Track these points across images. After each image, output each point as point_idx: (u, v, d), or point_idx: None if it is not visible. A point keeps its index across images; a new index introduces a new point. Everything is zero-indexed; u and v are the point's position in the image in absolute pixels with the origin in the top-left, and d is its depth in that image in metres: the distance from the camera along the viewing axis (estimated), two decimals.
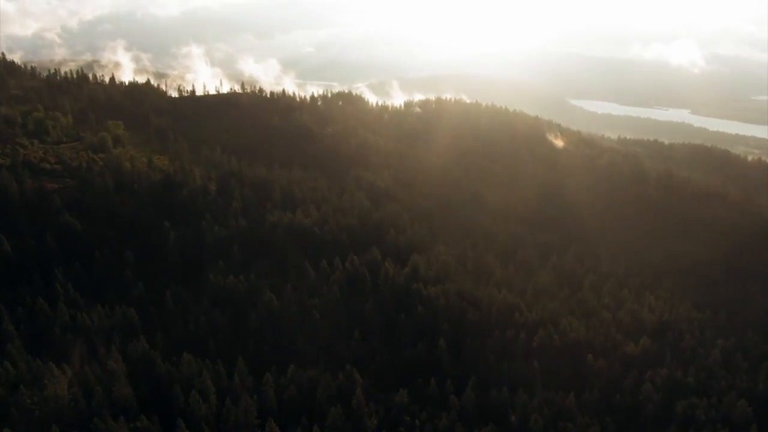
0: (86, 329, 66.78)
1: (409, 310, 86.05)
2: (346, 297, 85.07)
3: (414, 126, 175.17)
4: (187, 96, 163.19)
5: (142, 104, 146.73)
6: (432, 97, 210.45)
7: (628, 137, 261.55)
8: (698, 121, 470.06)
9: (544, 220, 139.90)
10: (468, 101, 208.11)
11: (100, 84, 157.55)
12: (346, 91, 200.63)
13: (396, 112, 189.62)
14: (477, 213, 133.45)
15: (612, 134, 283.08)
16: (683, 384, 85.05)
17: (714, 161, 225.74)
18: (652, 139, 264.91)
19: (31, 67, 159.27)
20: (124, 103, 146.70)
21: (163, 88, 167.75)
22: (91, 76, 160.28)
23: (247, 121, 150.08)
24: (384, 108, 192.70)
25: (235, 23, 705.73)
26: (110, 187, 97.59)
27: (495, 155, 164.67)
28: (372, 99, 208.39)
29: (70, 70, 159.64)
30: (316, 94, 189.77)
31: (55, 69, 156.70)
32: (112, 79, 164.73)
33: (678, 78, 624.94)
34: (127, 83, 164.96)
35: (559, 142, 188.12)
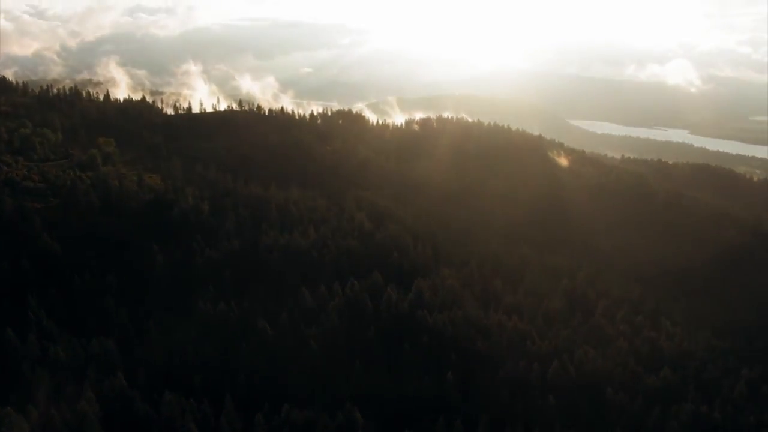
0: (58, 364, 59.92)
1: (414, 340, 79.26)
2: (345, 325, 78.24)
3: (416, 144, 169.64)
4: (183, 113, 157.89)
5: (136, 121, 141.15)
6: (433, 115, 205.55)
7: (631, 157, 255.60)
8: (698, 141, 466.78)
9: (551, 241, 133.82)
10: (469, 120, 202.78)
11: (93, 101, 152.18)
12: (346, 109, 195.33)
13: (397, 131, 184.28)
14: (482, 234, 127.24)
15: (612, 154, 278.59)
16: (710, 420, 78.13)
17: (719, 181, 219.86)
18: (654, 158, 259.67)
19: (23, 83, 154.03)
20: (117, 120, 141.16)
21: (159, 105, 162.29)
22: (84, 93, 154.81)
23: (244, 139, 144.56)
24: (385, 126, 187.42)
25: (235, 44, 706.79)
26: (96, 207, 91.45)
27: (499, 174, 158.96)
28: (372, 118, 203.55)
29: (63, 87, 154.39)
30: (315, 113, 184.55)
31: (47, 85, 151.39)
32: (107, 96, 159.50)
33: (676, 98, 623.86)
34: (122, 100, 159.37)
35: (564, 161, 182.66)
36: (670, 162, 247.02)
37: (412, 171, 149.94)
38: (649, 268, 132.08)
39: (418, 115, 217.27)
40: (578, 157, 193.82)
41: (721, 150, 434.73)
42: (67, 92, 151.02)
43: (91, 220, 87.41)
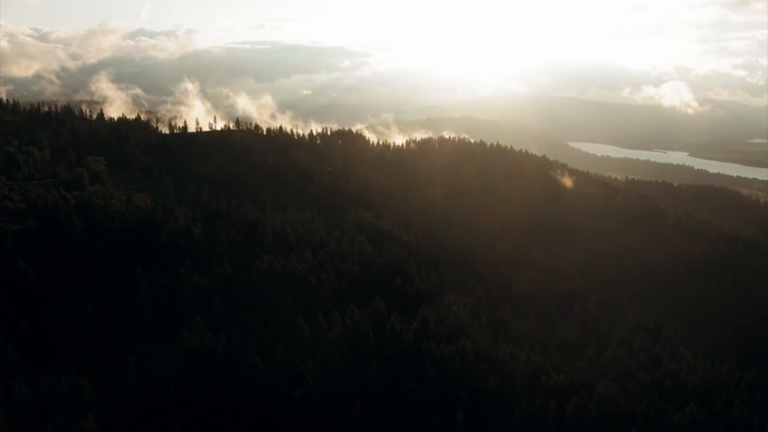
0: (22, 404, 52.72)
1: (421, 375, 72.12)
2: (345, 359, 71.13)
3: (417, 165, 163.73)
4: (178, 133, 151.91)
5: (129, 140, 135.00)
6: (434, 136, 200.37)
7: (635, 178, 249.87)
8: (698, 164, 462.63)
9: (560, 265, 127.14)
10: (471, 141, 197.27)
11: (85, 119, 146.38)
12: (346, 130, 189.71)
13: (398, 151, 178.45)
14: (488, 257, 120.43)
15: (614, 176, 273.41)
16: None
17: (725, 203, 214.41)
18: (657, 180, 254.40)
19: (14, 101, 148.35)
20: (109, 138, 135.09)
21: (154, 124, 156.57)
22: (77, 111, 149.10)
23: (240, 159, 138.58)
24: (385, 147, 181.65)
25: (235, 67, 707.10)
26: (79, 229, 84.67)
27: (503, 196, 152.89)
28: (372, 139, 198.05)
29: (55, 105, 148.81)
30: (314, 133, 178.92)
31: (38, 103, 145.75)
32: (100, 114, 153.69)
33: (674, 121, 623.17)
34: (115, 119, 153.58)
35: (569, 182, 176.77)
36: (675, 184, 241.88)
37: (414, 192, 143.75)
38: (662, 294, 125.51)
39: (419, 137, 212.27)
40: (583, 178, 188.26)
41: (721, 172, 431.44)
42: (59, 111, 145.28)
43: (72, 243, 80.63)
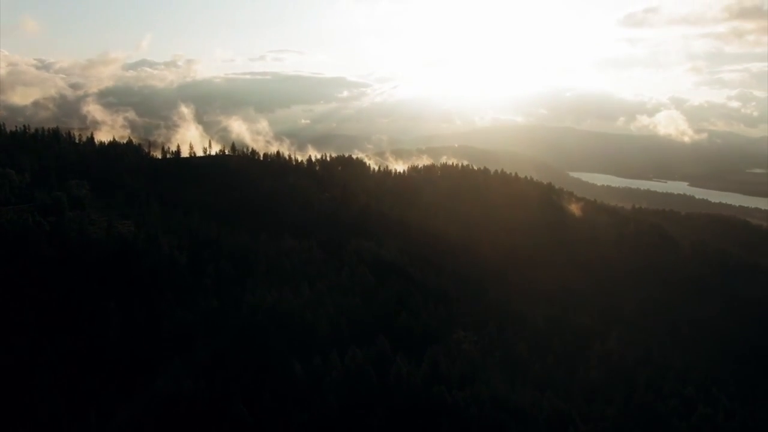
0: None
1: (431, 426, 62.25)
2: (345, 408, 61.30)
3: (420, 192, 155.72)
4: (171, 158, 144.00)
5: (117, 164, 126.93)
6: (437, 163, 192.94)
7: (642, 206, 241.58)
8: (699, 193, 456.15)
9: (573, 298, 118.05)
10: (475, 168, 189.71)
11: (72, 143, 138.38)
12: (346, 156, 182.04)
13: (399, 178, 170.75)
14: (499, 290, 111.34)
15: (619, 205, 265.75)
16: None
17: (736, 232, 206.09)
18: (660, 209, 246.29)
19: (2, 124, 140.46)
20: (96, 162, 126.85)
21: (146, 149, 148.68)
22: (65, 134, 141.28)
23: (235, 185, 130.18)
24: (386, 173, 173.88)
25: (235, 97, 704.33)
26: (51, 258, 75.64)
27: (511, 225, 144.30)
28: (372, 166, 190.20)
29: (43, 128, 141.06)
30: (313, 159, 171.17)
31: (24, 126, 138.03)
32: (90, 138, 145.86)
33: (672, 151, 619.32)
34: (106, 143, 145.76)
35: (577, 211, 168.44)
36: (683, 212, 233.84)
37: (417, 220, 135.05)
38: (684, 328, 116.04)
39: (420, 164, 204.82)
40: (590, 206, 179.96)
41: (723, 202, 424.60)
42: (46, 134, 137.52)
43: (41, 274, 71.41)
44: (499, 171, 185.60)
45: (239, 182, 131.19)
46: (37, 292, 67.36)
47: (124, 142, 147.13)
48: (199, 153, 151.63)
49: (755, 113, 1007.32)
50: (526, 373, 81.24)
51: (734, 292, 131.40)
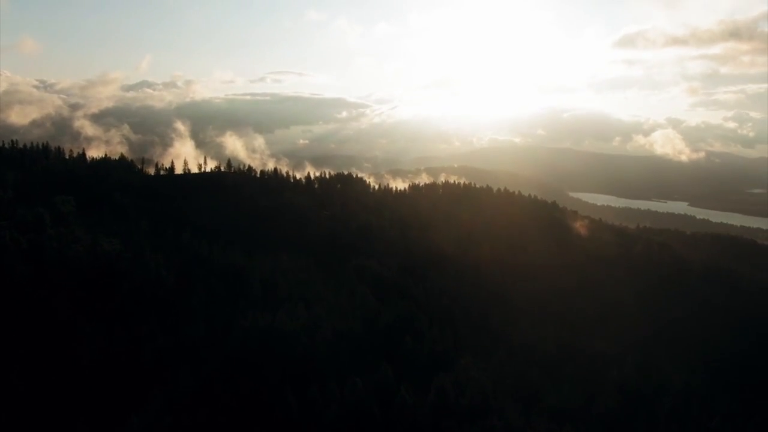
0: None
1: None
2: None
3: (422, 210, 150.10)
4: (164, 174, 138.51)
5: (107, 180, 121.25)
6: (439, 181, 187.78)
7: (647, 226, 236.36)
8: (700, 213, 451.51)
9: (583, 320, 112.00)
10: (477, 186, 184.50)
11: (62, 159, 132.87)
12: (345, 173, 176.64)
13: (400, 196, 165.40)
14: (506, 313, 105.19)
15: (622, 225, 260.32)
16: None
17: (744, 251, 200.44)
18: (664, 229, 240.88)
19: None
20: (85, 178, 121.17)
21: (139, 165, 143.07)
22: (54, 149, 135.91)
23: (229, 202, 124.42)
24: (387, 191, 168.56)
25: (234, 117, 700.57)
26: (27, 278, 69.46)
27: (516, 244, 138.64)
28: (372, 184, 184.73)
29: (32, 143, 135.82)
30: (312, 176, 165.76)
31: (12, 141, 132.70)
32: (82, 154, 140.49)
33: (671, 172, 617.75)
34: (97, 159, 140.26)
35: (583, 230, 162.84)
36: (688, 232, 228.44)
37: (419, 239, 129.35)
38: (700, 352, 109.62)
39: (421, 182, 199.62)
40: (596, 225, 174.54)
41: (724, 222, 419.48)
42: (35, 148, 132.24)
43: (12, 295, 65.18)
44: (502, 189, 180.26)
45: (234, 199, 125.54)
46: (3, 314, 61.05)
47: (116, 158, 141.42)
48: (194, 170, 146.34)
49: (751, 134, 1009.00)
50: (540, 403, 74.76)
51: (749, 312, 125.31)
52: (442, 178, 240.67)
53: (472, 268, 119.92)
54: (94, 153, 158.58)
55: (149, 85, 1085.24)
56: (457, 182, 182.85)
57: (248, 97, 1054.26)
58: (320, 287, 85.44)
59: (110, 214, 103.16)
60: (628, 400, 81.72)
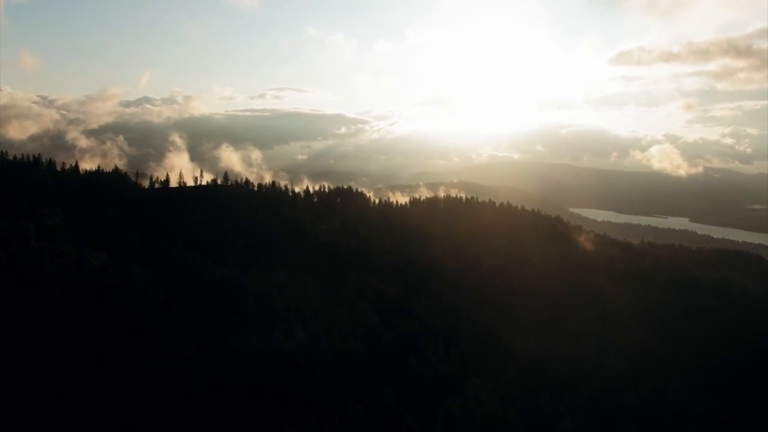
0: None
1: None
2: None
3: (423, 225, 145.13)
4: (159, 187, 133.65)
5: (99, 193, 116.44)
6: (440, 195, 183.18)
7: (651, 241, 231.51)
8: (701, 229, 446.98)
9: (593, 338, 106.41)
10: (479, 200, 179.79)
11: (53, 170, 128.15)
12: (345, 187, 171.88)
13: (401, 210, 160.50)
14: (513, 330, 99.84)
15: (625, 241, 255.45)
16: None
17: (751, 267, 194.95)
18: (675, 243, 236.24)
19: None
20: (76, 191, 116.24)
21: (133, 178, 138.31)
22: (46, 161, 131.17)
23: (225, 215, 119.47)
24: (388, 205, 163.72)
25: (234, 133, 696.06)
26: (4, 294, 64.34)
27: (521, 259, 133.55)
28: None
29: (23, 155, 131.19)
30: (311, 190, 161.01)
31: (1, 152, 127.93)
32: (74, 166, 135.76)
33: (671, 187, 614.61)
34: (90, 171, 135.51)
35: (589, 244, 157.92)
36: (694, 247, 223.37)
37: (421, 254, 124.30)
38: (718, 373, 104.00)
39: (422, 196, 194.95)
40: (602, 240, 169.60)
41: (726, 237, 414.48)
42: (26, 160, 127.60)
43: None
44: (505, 204, 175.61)
45: (230, 213, 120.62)
46: None
47: (110, 171, 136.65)
48: (190, 183, 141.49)
49: (749, 150, 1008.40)
50: (554, 429, 69.41)
51: (764, 330, 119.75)
52: (442, 193, 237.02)
53: (476, 283, 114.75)
54: (89, 166, 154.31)
55: (149, 101, 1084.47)
56: (459, 196, 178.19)
57: (248, 113, 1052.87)
58: (318, 304, 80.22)
59: (100, 227, 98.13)
60: (646, 427, 76.41)
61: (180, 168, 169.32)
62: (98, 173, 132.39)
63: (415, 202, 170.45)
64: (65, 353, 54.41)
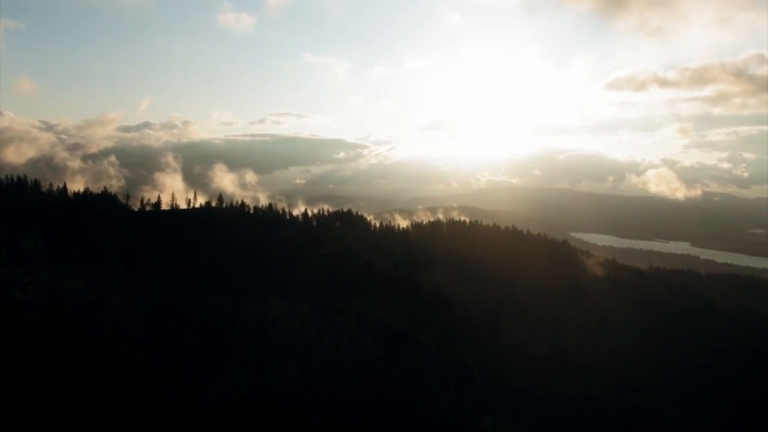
0: None
1: None
2: None
3: (427, 249, 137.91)
4: (150, 210, 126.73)
5: (85, 215, 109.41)
6: (443, 219, 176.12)
7: (659, 266, 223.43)
8: (703, 254, 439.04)
9: (615, 370, 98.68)
10: (484, 224, 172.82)
11: (38, 192, 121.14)
12: (345, 210, 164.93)
13: (404, 234, 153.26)
14: (526, 364, 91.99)
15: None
16: None
17: (764, 293, 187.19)
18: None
19: None
20: (59, 213, 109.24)
21: (124, 200, 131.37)
22: (31, 182, 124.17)
23: (218, 239, 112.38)
24: (389, 229, 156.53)
25: (234, 158, 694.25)
26: None
27: (532, 286, 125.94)
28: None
29: (7, 176, 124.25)
30: (309, 214, 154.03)
31: None
32: (62, 188, 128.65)
33: (670, 211, 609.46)
34: (79, 193, 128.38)
35: (600, 270, 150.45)
36: (703, 273, 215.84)
37: (425, 280, 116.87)
38: (744, 409, 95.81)
39: (425, 220, 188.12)
40: (611, 265, 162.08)
41: (729, 262, 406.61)
42: (10, 182, 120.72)
43: None
44: (510, 228, 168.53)
45: (223, 237, 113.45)
46: None
47: (99, 192, 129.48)
48: (183, 205, 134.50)
49: (746, 174, 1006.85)
50: None
51: None
52: (441, 216, 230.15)
53: (486, 312, 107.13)
54: (77, 186, 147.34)
55: (149, 126, 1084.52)
56: (462, 219, 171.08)
57: (248, 138, 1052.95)
58: (315, 336, 72.44)
59: (81, 252, 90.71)
60: None
61: (173, 190, 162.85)
62: (85, 195, 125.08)
63: (417, 226, 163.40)
64: (21, 397, 46.59)
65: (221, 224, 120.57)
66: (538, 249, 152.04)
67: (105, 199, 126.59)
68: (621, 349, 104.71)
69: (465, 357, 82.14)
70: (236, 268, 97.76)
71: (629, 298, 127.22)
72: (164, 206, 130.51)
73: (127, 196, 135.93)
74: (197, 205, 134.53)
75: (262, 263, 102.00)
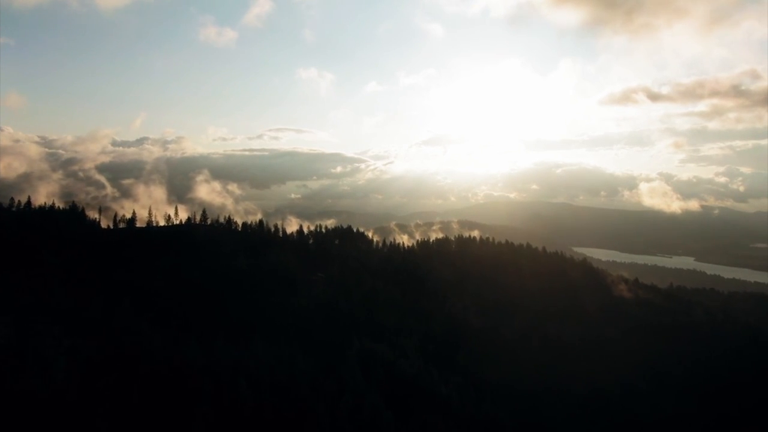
0: None
1: None
2: None
3: (438, 271, 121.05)
4: (123, 227, 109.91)
5: (43, 233, 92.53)
6: (451, 236, 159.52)
7: (676, 284, 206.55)
8: (709, 269, 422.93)
9: (650, 408, 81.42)
10: (496, 241, 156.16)
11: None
12: (345, 226, 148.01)
13: (410, 254, 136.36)
14: (554, 401, 75.06)
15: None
16: None
17: None
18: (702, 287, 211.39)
19: None
20: (21, 232, 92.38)
21: (95, 216, 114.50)
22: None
23: (198, 262, 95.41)
24: (393, 248, 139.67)
25: (232, 172, 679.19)
26: None
27: (555, 311, 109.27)
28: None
29: None
30: (305, 231, 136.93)
31: None
32: (28, 202, 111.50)
33: (672, 226, 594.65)
34: (44, 207, 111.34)
35: (625, 292, 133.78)
36: (725, 292, 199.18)
37: (439, 310, 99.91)
38: None
39: (432, 236, 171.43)
40: (635, 286, 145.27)
41: (736, 277, 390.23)
42: None
43: None
44: (524, 245, 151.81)
45: (203, 260, 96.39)
46: None
47: (62, 206, 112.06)
48: (162, 222, 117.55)
49: (742, 188, 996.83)
50: None
51: None
52: (440, 232, 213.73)
53: (507, 343, 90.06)
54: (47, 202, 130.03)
55: (142, 140, 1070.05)
56: (472, 236, 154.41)
57: (246, 153, 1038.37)
58: (307, 392, 55.21)
59: (27, 278, 73.70)
60: None
61: (157, 205, 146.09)
62: (50, 210, 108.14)
63: (423, 244, 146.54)
64: None
65: (201, 244, 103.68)
66: (558, 269, 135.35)
67: (71, 214, 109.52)
68: (653, 377, 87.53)
69: (493, 412, 64.94)
70: (213, 299, 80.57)
71: (668, 325, 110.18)
72: (140, 223, 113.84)
73: (99, 211, 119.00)
74: (178, 222, 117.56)
75: (244, 294, 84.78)
